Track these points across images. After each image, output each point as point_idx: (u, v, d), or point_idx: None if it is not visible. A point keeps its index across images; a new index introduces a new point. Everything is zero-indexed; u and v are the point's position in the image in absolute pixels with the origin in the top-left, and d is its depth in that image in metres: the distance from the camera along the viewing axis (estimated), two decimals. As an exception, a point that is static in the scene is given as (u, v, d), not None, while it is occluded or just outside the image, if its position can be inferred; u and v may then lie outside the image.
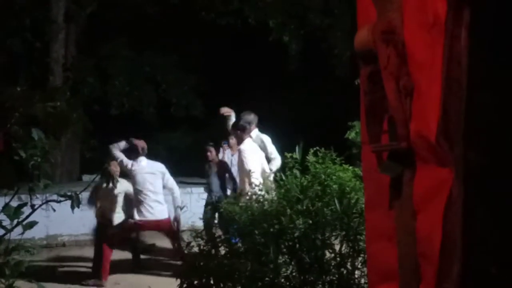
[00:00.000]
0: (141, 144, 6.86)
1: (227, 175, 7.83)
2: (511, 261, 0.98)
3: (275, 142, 7.28)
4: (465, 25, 0.96)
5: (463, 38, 0.95)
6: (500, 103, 0.95)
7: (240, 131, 6.57)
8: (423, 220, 1.11)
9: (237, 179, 7.24)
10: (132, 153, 6.73)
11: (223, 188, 7.58)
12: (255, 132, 6.96)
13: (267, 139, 7.06)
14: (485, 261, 0.99)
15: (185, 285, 3.54)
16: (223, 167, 7.90)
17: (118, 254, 7.74)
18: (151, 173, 6.70)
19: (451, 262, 1.03)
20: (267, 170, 6.10)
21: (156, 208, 6.60)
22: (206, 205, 7.47)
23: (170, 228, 6.79)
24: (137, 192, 6.55)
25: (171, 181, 6.88)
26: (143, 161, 6.66)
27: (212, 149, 7.89)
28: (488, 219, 0.99)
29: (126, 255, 7.89)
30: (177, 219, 6.70)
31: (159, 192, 6.66)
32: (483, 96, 0.95)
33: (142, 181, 6.55)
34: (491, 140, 0.97)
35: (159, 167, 6.86)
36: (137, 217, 6.59)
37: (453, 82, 0.98)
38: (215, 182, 7.74)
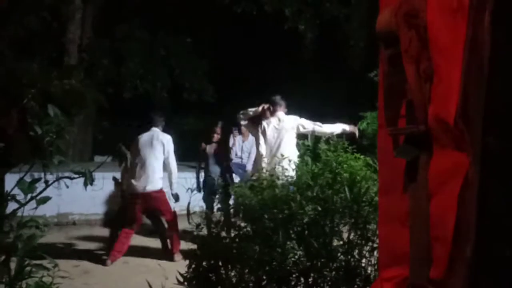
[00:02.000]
0: None
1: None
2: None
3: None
4: (488, 10, 0.96)
5: (486, 23, 0.95)
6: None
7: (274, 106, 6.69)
8: (437, 203, 1.11)
9: (248, 165, 7.28)
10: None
11: (223, 171, 7.63)
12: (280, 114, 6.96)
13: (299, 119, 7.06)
14: (499, 244, 1.00)
15: (193, 266, 3.57)
16: (223, 151, 7.97)
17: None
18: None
19: (464, 245, 1.04)
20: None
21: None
22: (204, 187, 7.55)
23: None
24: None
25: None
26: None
27: (219, 131, 7.95)
28: (504, 203, 1.00)
29: (134, 236, 7.95)
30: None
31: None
32: (504, 80, 0.96)
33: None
34: (511, 124, 0.98)
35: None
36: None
37: (474, 66, 0.98)
38: (213, 163, 7.81)
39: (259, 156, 6.67)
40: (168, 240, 7.09)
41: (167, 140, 7.16)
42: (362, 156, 4.16)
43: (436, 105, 1.11)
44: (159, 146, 7.09)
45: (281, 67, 15.37)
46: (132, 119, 11.26)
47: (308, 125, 6.55)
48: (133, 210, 6.94)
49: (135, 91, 14.41)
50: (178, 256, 6.73)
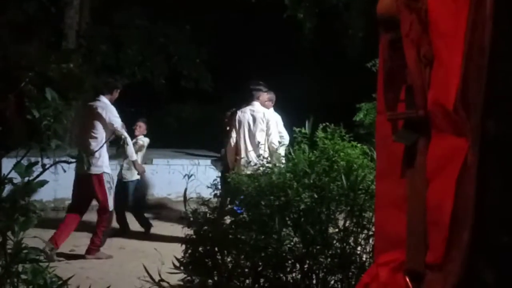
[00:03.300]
0: None
1: None
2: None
3: (284, 119, 7.33)
4: (490, -6, 0.96)
5: (488, 5, 0.95)
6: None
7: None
8: (435, 187, 1.12)
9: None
10: None
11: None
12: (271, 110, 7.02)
13: (279, 118, 7.15)
14: (497, 229, 1.00)
15: (189, 251, 3.59)
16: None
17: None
18: None
19: (461, 230, 1.04)
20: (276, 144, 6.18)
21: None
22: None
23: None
24: None
25: None
26: None
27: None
28: (502, 189, 1.00)
29: (132, 221, 7.97)
30: None
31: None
32: (505, 65, 0.96)
33: None
34: (510, 110, 0.98)
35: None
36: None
37: (475, 50, 0.98)
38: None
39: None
40: None
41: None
42: (359, 145, 4.17)
43: (435, 90, 1.11)
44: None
45: (280, 56, 15.33)
46: (129, 105, 11.24)
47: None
48: None
49: (133, 77, 14.37)
50: None
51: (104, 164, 6.62)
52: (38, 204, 3.37)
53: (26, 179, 3.13)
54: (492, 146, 1.00)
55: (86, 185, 6.61)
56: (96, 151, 6.14)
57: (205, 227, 3.69)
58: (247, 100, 7.08)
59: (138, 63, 14.42)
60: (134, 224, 8.04)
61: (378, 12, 1.23)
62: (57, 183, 7.94)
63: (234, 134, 6.95)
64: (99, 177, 6.59)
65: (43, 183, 3.16)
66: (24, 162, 3.23)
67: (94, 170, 6.41)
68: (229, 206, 3.91)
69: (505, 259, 1.01)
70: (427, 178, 1.16)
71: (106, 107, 6.62)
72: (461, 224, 1.04)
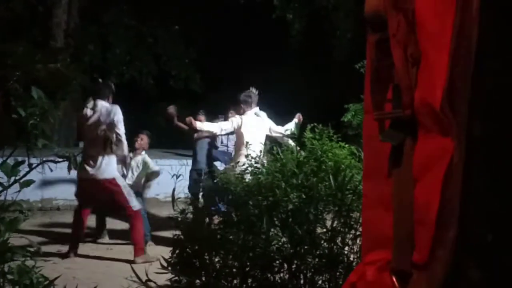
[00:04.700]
0: None
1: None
2: (509, 229, 0.99)
3: (273, 119, 7.35)
4: (477, -6, 0.97)
5: (474, 5, 0.96)
6: (508, 72, 0.96)
7: (243, 104, 6.71)
8: (421, 187, 1.12)
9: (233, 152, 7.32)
10: None
11: (210, 159, 7.69)
12: (255, 110, 7.04)
13: (264, 115, 7.17)
14: (482, 229, 1.01)
15: (177, 251, 3.58)
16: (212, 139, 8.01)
17: (114, 223, 7.81)
18: None
19: (447, 229, 1.04)
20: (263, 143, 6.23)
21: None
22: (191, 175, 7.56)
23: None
24: None
25: None
26: None
27: (203, 118, 7.98)
28: (488, 188, 1.00)
29: (119, 222, 7.94)
30: None
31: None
32: (491, 64, 0.96)
33: None
34: (497, 109, 0.98)
35: None
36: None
37: (462, 49, 0.99)
38: (201, 152, 7.85)
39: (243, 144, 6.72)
40: None
41: None
42: (347, 145, 4.18)
43: (422, 89, 1.11)
44: None
45: (269, 57, 15.33)
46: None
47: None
48: None
49: (121, 77, 14.29)
50: None
51: (114, 168, 6.73)
52: (25, 204, 3.35)
53: (13, 178, 3.11)
54: (478, 146, 1.00)
55: (97, 189, 6.70)
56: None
57: (193, 227, 3.68)
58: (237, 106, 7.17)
59: (127, 62, 14.37)
60: (122, 224, 8.00)
61: (365, 12, 1.23)
62: (45, 183, 7.88)
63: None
64: (112, 181, 6.63)
65: (30, 182, 3.14)
66: (11, 161, 3.21)
67: (105, 175, 6.54)
68: (217, 206, 3.91)
69: (490, 258, 1.01)
70: (414, 178, 1.16)
71: (114, 110, 6.81)
72: (447, 223, 1.05)
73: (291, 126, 7.05)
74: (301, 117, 7.17)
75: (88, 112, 6.72)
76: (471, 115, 0.99)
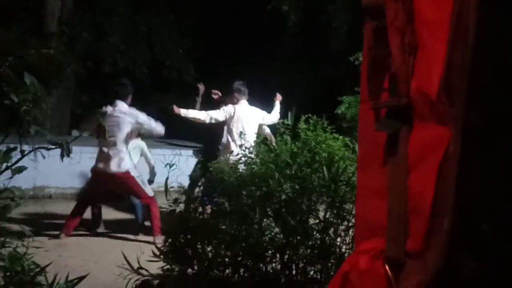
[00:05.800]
0: None
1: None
2: (503, 219, 0.99)
3: (267, 110, 7.35)
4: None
5: (473, -5, 0.95)
6: (506, 62, 0.95)
7: (236, 93, 6.70)
8: (416, 176, 1.12)
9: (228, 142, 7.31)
10: None
11: (212, 148, 7.67)
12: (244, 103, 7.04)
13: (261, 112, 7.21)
14: (476, 218, 1.01)
15: (170, 240, 3.58)
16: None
17: (107, 212, 7.80)
18: None
19: (441, 218, 1.04)
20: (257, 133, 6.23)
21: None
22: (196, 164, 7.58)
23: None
24: None
25: None
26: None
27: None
28: (483, 178, 1.00)
29: (111, 211, 7.92)
30: None
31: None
32: (489, 54, 0.96)
33: None
34: (494, 99, 0.98)
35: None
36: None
37: (459, 38, 0.98)
38: (205, 141, 7.87)
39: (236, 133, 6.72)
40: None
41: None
42: (341, 137, 4.18)
43: (418, 78, 1.11)
44: None
45: (264, 48, 15.30)
46: (111, 94, 11.10)
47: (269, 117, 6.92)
48: None
49: (115, 66, 14.23)
50: None
51: (127, 161, 7.00)
52: (17, 191, 3.32)
53: (4, 165, 3.09)
54: (474, 135, 1.00)
55: (112, 183, 6.92)
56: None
57: (186, 217, 3.68)
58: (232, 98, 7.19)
59: (121, 51, 14.30)
60: (114, 214, 8.00)
61: (363, 0, 1.23)
62: (37, 171, 7.85)
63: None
64: (126, 174, 6.89)
65: (22, 169, 3.13)
66: (2, 147, 3.19)
67: (120, 169, 6.78)
68: (211, 196, 3.90)
69: (484, 247, 1.01)
70: (409, 167, 1.16)
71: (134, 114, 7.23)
72: (441, 212, 1.05)
73: (277, 109, 7.19)
74: (280, 96, 7.34)
75: (109, 110, 7.08)
76: (467, 105, 0.99)
